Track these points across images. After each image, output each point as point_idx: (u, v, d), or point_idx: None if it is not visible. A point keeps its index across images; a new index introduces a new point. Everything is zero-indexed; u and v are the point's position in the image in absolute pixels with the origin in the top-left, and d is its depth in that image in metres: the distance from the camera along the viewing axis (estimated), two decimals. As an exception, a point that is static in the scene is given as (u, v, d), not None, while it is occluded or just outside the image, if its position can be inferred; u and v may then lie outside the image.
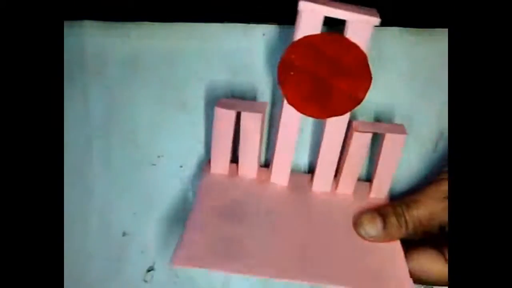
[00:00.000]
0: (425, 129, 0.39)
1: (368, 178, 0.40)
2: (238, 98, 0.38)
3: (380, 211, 0.35)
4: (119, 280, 0.43)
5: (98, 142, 0.41)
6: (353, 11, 0.32)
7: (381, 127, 0.36)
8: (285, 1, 0.34)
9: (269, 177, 0.39)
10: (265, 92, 0.39)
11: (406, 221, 0.34)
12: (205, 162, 0.40)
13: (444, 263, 0.34)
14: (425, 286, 0.38)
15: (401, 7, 0.37)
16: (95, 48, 0.38)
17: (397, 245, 0.35)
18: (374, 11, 0.32)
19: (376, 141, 0.37)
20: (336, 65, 0.33)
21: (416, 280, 0.34)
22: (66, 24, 0.37)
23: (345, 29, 0.32)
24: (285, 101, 0.34)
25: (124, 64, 0.39)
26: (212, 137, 0.37)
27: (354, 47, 0.33)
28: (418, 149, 0.40)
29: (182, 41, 0.38)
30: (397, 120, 0.39)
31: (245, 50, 0.38)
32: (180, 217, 0.41)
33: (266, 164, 0.41)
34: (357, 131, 0.35)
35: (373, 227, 0.35)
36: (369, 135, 0.35)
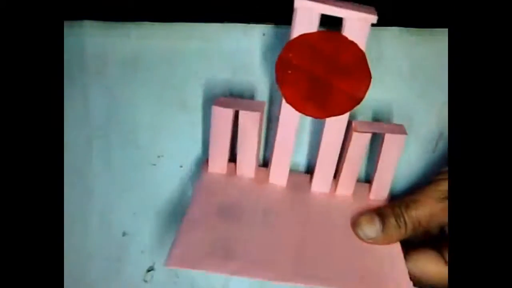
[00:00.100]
0: (425, 129, 0.39)
1: (367, 180, 0.40)
2: (236, 97, 0.38)
3: (378, 212, 0.35)
4: (119, 280, 0.43)
5: (98, 142, 0.41)
6: (350, 8, 0.32)
7: (381, 127, 0.36)
8: (285, 1, 0.34)
9: (267, 177, 0.38)
10: (265, 92, 0.39)
11: (405, 222, 0.34)
12: (203, 161, 0.40)
13: (444, 265, 0.34)
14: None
15: (401, 7, 0.37)
16: (95, 48, 0.38)
17: (396, 247, 0.34)
18: (372, 9, 0.32)
19: (376, 141, 0.37)
20: (334, 64, 0.33)
21: (416, 282, 0.33)
22: (66, 24, 0.37)
23: (343, 27, 0.32)
24: (284, 100, 0.34)
25: (124, 64, 0.39)
26: (210, 136, 0.37)
27: (352, 45, 0.32)
28: (418, 149, 0.40)
29: (182, 41, 0.38)
30: (397, 120, 0.39)
31: (245, 50, 0.38)
32: (180, 217, 0.41)
33: (265, 164, 0.40)
34: (357, 131, 0.35)
35: (371, 228, 0.34)
36: (369, 135, 0.35)
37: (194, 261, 0.31)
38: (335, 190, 0.38)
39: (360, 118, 0.39)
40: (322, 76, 0.33)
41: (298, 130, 0.37)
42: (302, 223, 0.35)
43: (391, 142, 0.35)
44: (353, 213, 0.36)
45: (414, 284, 0.32)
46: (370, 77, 0.33)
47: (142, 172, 0.41)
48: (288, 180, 0.38)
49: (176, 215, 0.41)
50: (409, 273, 0.33)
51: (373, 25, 0.34)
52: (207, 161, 0.38)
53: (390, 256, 0.34)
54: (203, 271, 0.31)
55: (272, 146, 0.37)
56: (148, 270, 0.43)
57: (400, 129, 0.36)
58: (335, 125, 0.35)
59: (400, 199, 0.36)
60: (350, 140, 0.36)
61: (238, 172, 0.38)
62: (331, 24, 0.33)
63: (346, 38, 0.32)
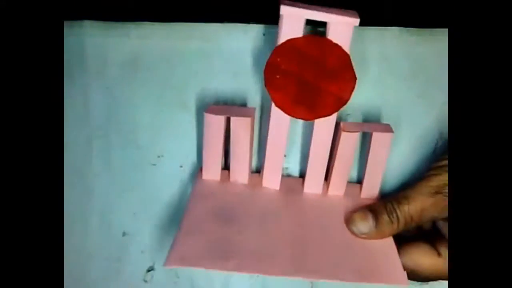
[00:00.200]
0: (425, 129, 0.39)
1: (359, 181, 0.41)
2: (228, 104, 0.39)
3: (371, 208, 0.35)
4: (119, 280, 0.43)
5: (98, 142, 0.41)
6: (333, 13, 0.33)
7: (368, 127, 0.37)
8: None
9: (260, 182, 0.39)
10: (264, 92, 0.39)
11: (397, 217, 0.34)
12: (197, 168, 0.40)
13: (437, 257, 0.35)
14: (420, 283, 0.38)
15: (401, 7, 0.37)
16: (95, 48, 0.38)
17: (389, 240, 0.35)
18: (354, 12, 0.33)
19: (366, 142, 0.38)
20: (320, 67, 0.34)
21: (410, 274, 0.34)
22: (66, 24, 0.37)
23: (327, 31, 0.33)
24: (273, 104, 0.35)
25: (124, 64, 0.39)
26: (203, 144, 0.37)
27: (336, 48, 0.33)
28: (417, 149, 0.40)
29: (182, 41, 0.38)
30: (398, 120, 0.39)
31: (245, 50, 0.38)
32: (180, 217, 0.41)
33: (258, 172, 0.41)
34: (345, 131, 0.36)
35: (365, 224, 0.35)
36: (356, 135, 0.36)
37: (193, 260, 0.31)
38: (327, 191, 0.39)
39: (360, 117, 0.39)
40: (310, 80, 0.34)
41: (290, 138, 0.37)
42: (296, 222, 0.36)
43: (378, 140, 0.36)
44: (346, 210, 0.37)
45: (409, 277, 0.33)
46: (355, 78, 0.34)
47: (142, 172, 0.41)
48: (281, 183, 0.39)
49: (176, 215, 0.41)
50: (404, 266, 0.33)
51: (373, 25, 0.34)
52: (201, 169, 0.39)
53: (384, 249, 0.34)
54: (202, 269, 0.31)
55: (264, 150, 0.38)
56: (148, 270, 0.43)
57: (386, 128, 0.37)
58: (324, 126, 0.36)
59: (391, 195, 0.36)
60: (339, 140, 0.36)
61: (232, 178, 0.39)
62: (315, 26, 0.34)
63: (331, 42, 0.33)
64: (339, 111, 0.36)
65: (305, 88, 0.34)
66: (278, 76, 0.34)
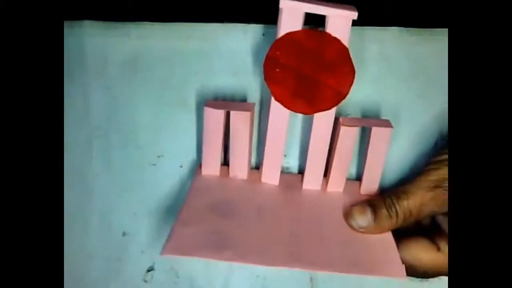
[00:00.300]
0: (425, 129, 0.39)
1: (358, 179, 0.40)
2: (228, 100, 0.39)
3: (370, 203, 0.35)
4: (119, 280, 0.43)
5: (98, 142, 0.41)
6: (332, 7, 0.33)
7: (367, 122, 0.37)
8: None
9: (260, 177, 0.39)
10: (264, 92, 0.39)
11: (396, 212, 0.34)
12: (197, 164, 0.40)
13: (436, 252, 0.35)
14: (420, 280, 0.38)
15: (401, 7, 0.37)
16: (95, 48, 0.38)
17: (388, 235, 0.35)
18: (353, 7, 0.33)
19: (365, 139, 0.37)
20: (319, 60, 0.34)
21: (409, 269, 0.34)
22: (66, 24, 0.37)
23: (326, 25, 0.34)
24: (273, 98, 0.35)
25: (124, 64, 0.39)
26: (203, 139, 0.37)
27: (335, 41, 0.34)
28: (418, 149, 0.40)
29: (182, 41, 0.38)
30: (398, 120, 0.39)
31: (245, 50, 0.38)
32: (178, 209, 0.41)
33: (258, 168, 0.41)
34: (344, 125, 0.36)
35: (363, 218, 0.35)
36: (356, 129, 0.36)
37: (190, 250, 0.31)
38: (326, 187, 0.39)
39: (360, 116, 0.39)
40: (309, 73, 0.34)
41: (289, 137, 0.37)
42: (295, 217, 0.36)
43: (377, 135, 0.36)
44: (345, 205, 0.37)
45: (408, 272, 0.33)
46: (354, 72, 0.34)
47: (142, 172, 0.41)
48: (280, 179, 0.39)
49: (176, 215, 0.41)
50: (403, 261, 0.33)
51: (373, 25, 0.34)
52: (200, 165, 0.39)
53: (382, 243, 0.34)
54: (198, 258, 0.31)
55: (264, 145, 0.38)
56: (148, 270, 0.43)
57: (386, 123, 0.37)
58: (323, 120, 0.36)
59: (391, 190, 0.36)
60: (338, 135, 0.36)
61: (231, 173, 0.39)
62: (314, 23, 0.34)
63: (329, 35, 0.34)
64: (339, 111, 0.36)
65: (304, 81, 0.34)
66: (277, 70, 0.34)
